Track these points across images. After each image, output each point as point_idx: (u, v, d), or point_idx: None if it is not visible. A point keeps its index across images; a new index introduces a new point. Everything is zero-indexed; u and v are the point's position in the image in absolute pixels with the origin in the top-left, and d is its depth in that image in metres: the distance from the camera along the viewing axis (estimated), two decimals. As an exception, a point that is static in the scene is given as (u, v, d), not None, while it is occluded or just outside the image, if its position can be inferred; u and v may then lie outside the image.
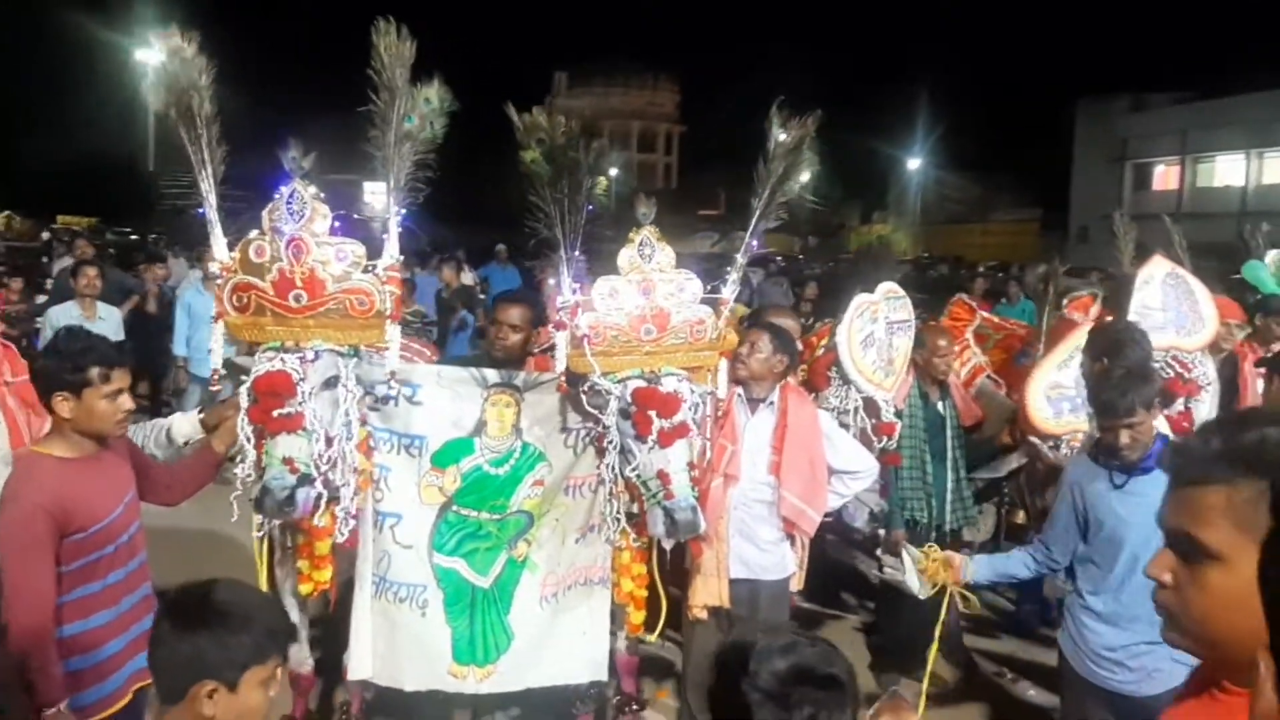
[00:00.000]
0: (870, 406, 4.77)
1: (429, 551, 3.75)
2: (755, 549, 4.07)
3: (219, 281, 3.26)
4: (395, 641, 3.76)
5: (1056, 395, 4.67)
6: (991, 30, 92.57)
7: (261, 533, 3.34)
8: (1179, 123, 40.46)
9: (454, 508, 3.75)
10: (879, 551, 5.01)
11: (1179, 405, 4.95)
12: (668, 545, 3.62)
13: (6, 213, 30.76)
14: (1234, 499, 1.18)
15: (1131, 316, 5.04)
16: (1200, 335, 5.03)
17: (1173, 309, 5.04)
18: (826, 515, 4.45)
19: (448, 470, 3.73)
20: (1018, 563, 3.81)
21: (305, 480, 3.05)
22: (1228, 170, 39.93)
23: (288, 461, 3.01)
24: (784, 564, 4.13)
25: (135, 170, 41.64)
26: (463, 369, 3.80)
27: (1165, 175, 41.95)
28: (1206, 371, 4.99)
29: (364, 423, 3.53)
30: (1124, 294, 4.73)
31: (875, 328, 4.84)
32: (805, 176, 3.82)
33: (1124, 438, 3.33)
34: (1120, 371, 3.56)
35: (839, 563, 5.44)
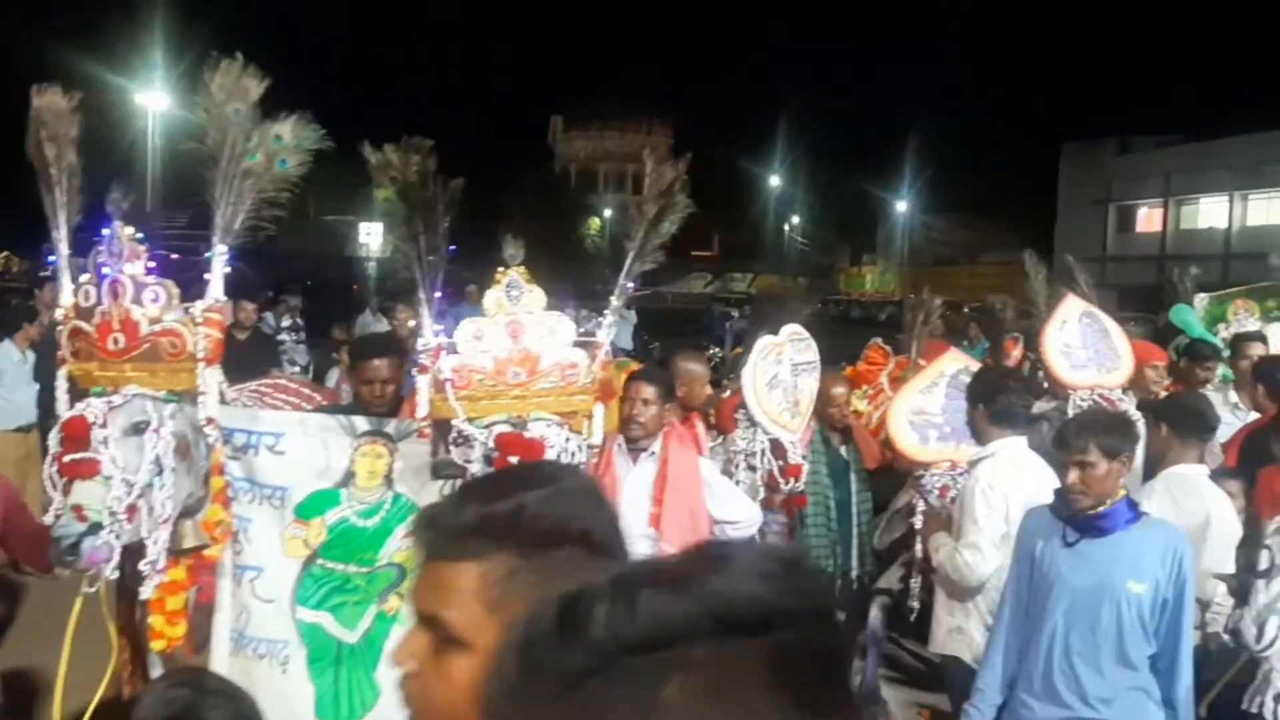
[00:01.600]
0: (777, 448, 4.67)
1: (292, 606, 3.62)
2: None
3: (60, 328, 3.17)
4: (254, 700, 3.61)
5: (921, 421, 4.59)
6: (980, 73, 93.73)
7: (94, 586, 3.20)
8: (1163, 166, 40.76)
9: (319, 561, 3.62)
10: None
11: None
12: None
13: (5, 253, 30.64)
14: (487, 577, 1.04)
15: (1054, 356, 4.98)
16: (1119, 372, 4.97)
17: (1092, 347, 4.99)
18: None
19: (312, 522, 3.61)
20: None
21: (94, 529, 2.93)
22: (1211, 212, 40.17)
23: (77, 509, 2.89)
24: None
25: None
26: (330, 416, 3.70)
27: (1149, 217, 42.18)
28: (1129, 410, 4.90)
29: (221, 473, 3.42)
30: (996, 330, 4.66)
31: (780, 369, 4.76)
32: (677, 218, 3.70)
33: (1071, 475, 3.16)
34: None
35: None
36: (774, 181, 63.04)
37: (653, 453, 3.94)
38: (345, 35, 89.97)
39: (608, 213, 69.84)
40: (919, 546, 4.31)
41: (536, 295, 3.49)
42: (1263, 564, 3.18)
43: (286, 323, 13.41)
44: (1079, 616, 3.12)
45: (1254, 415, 5.12)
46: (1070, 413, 4.93)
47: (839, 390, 5.07)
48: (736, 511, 4.11)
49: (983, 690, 3.34)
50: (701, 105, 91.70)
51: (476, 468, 3.40)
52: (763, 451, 4.65)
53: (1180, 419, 3.84)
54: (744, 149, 67.38)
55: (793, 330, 4.88)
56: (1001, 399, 3.88)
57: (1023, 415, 4.00)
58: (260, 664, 3.60)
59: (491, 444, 3.35)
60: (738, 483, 4.62)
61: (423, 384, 3.42)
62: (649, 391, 3.94)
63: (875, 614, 5.07)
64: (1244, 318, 6.06)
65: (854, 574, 4.89)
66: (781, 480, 4.63)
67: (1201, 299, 6.19)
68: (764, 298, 5.04)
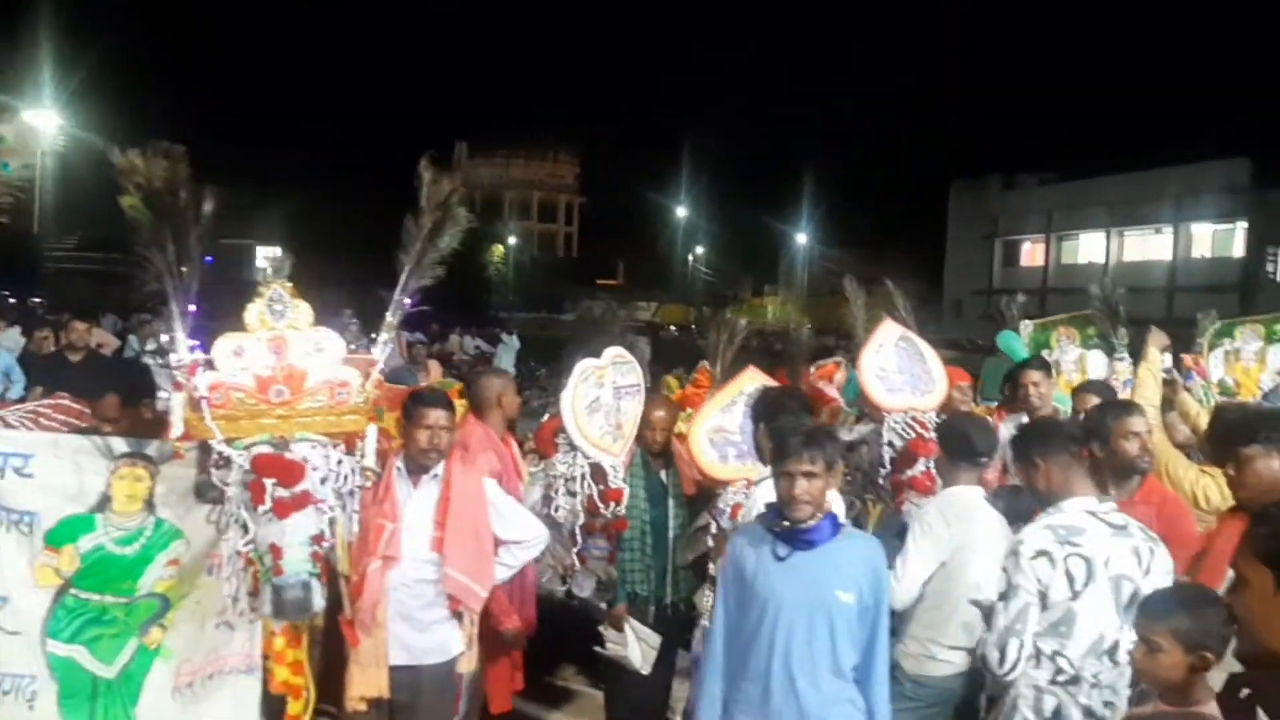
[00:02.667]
0: (597, 473, 4.59)
1: (41, 639, 3.39)
2: (417, 632, 3.78)
3: None
4: (-5, 740, 3.37)
5: (720, 439, 4.55)
6: (876, 111, 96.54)
7: None
8: (1045, 203, 42.39)
9: (73, 591, 3.41)
10: (601, 627, 4.78)
11: (920, 466, 4.88)
12: (276, 627, 3.33)
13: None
14: None
15: (870, 379, 4.99)
16: (933, 395, 5.00)
17: (907, 371, 5.01)
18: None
19: (64, 550, 3.40)
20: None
21: None
22: (1090, 247, 41.81)
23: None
24: (448, 646, 3.85)
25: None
26: (86, 437, 3.49)
27: (1032, 252, 43.75)
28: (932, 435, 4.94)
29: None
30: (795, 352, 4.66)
31: (602, 392, 4.69)
32: (456, 232, 3.60)
33: (799, 486, 3.10)
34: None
35: (568, 636, 5.17)
36: (680, 212, 63.61)
37: (435, 475, 3.81)
38: (250, 54, 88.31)
39: (512, 240, 69.64)
40: (712, 566, 4.25)
41: (303, 310, 3.34)
42: (1001, 585, 3.15)
43: (151, 346, 12.93)
44: (795, 631, 3.10)
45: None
46: (885, 435, 4.95)
47: (660, 414, 5.01)
48: (522, 531, 4.00)
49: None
50: (608, 135, 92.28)
51: (234, 491, 3.24)
52: (583, 476, 4.56)
53: (950, 443, 3.86)
54: (650, 180, 67.94)
55: (616, 353, 4.81)
56: (783, 418, 3.86)
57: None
58: (4, 700, 3.36)
59: (248, 466, 3.20)
60: (557, 508, 4.52)
61: (177, 402, 3.25)
62: (444, 417, 3.81)
63: (698, 637, 4.99)
64: (1066, 344, 6.23)
65: (668, 600, 4.82)
66: (602, 505, 4.55)
67: (1026, 326, 6.35)
68: (584, 321, 4.91)
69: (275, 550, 3.12)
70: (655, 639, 4.81)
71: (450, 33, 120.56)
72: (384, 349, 3.53)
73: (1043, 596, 3.03)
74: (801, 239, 59.86)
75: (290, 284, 3.36)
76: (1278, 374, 6.38)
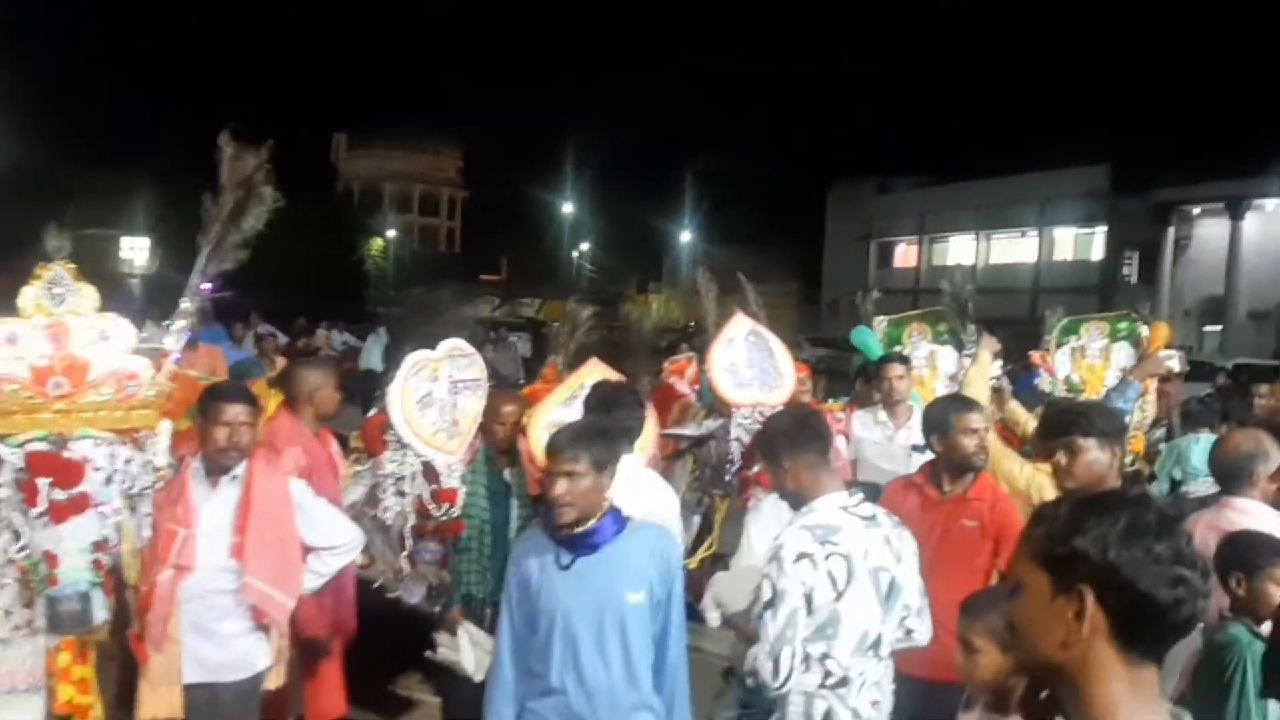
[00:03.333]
0: (429, 472, 4.37)
1: None
2: (215, 647, 3.49)
3: None
4: None
5: None
6: (757, 111, 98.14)
7: None
8: (917, 206, 43.61)
9: None
10: (434, 632, 4.56)
11: (766, 462, 4.83)
12: (49, 644, 3.04)
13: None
14: None
15: (719, 374, 4.92)
16: (782, 390, 4.97)
17: (756, 366, 4.97)
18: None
19: None
20: None
21: None
22: (960, 250, 43.20)
23: None
24: (251, 660, 3.57)
25: None
26: None
27: (906, 254, 44.96)
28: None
29: None
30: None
31: (436, 386, 4.46)
32: (262, 212, 3.35)
33: (559, 486, 2.92)
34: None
35: (396, 642, 4.94)
36: (565, 209, 63.36)
37: (235, 476, 3.52)
38: (122, 38, 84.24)
39: (391, 233, 68.24)
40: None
41: (87, 294, 3.06)
42: (765, 594, 2.92)
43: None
44: (585, 643, 2.93)
45: (902, 433, 5.25)
46: (733, 431, 4.88)
47: (509, 409, 4.81)
48: (334, 536, 3.76)
49: None
50: (493, 129, 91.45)
51: (4, 493, 2.94)
52: (414, 475, 4.35)
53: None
54: (535, 175, 67.60)
55: (453, 345, 4.60)
56: (616, 413, 3.73)
57: (637, 430, 3.87)
58: None
59: (20, 464, 2.90)
60: (385, 509, 4.29)
61: (-61, 395, 2.92)
62: (244, 412, 3.53)
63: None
64: (918, 340, 6.29)
65: (505, 602, 4.64)
66: (433, 506, 4.34)
67: (880, 322, 6.38)
68: (413, 308, 4.66)
69: (50, 558, 2.85)
70: (490, 642, 4.62)
71: (329, 21, 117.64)
72: (179, 337, 3.26)
73: (808, 600, 2.89)
74: (685, 237, 60.30)
75: (74, 265, 3.07)
76: (1122, 370, 6.57)
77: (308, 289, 32.78)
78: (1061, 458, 3.38)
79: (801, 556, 2.90)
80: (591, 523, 2.95)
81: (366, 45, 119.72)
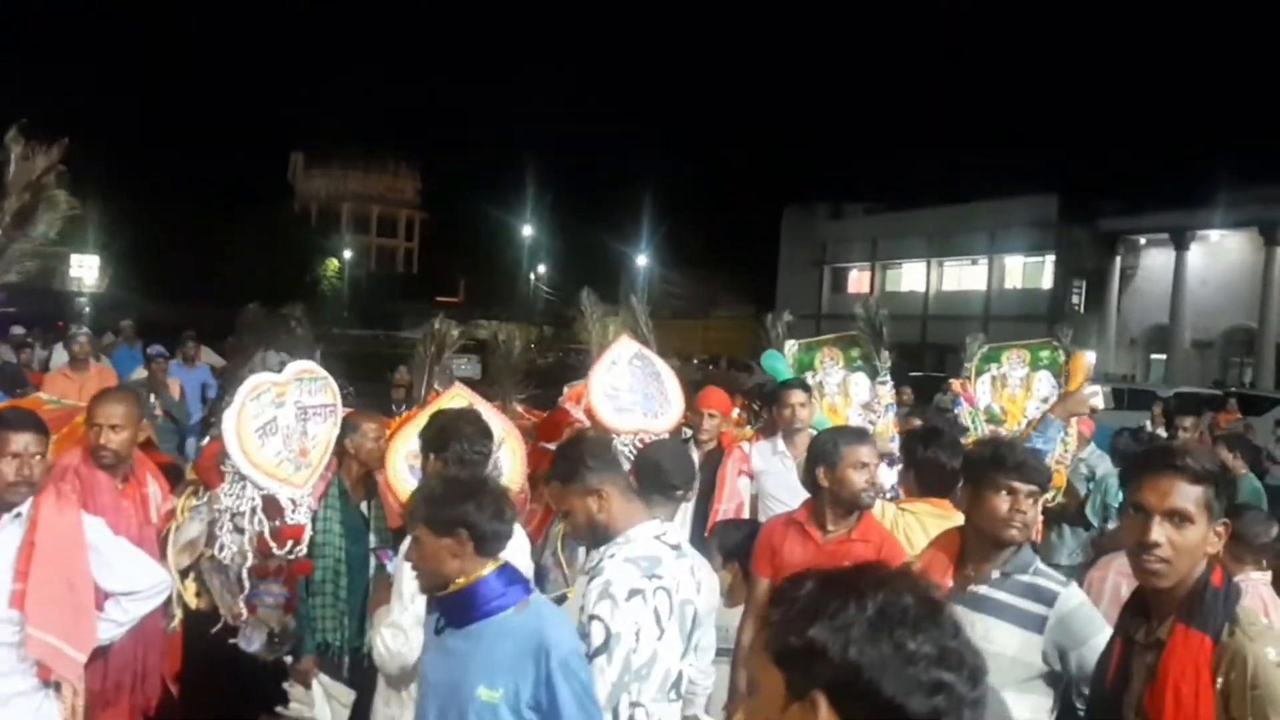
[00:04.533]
0: (271, 506, 3.93)
1: None
2: (-9, 710, 3.05)
3: None
4: None
5: (418, 465, 4.01)
6: (713, 135, 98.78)
7: None
8: (870, 231, 43.72)
9: None
10: (285, 684, 4.11)
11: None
12: None
13: None
14: None
15: (599, 399, 4.54)
16: (667, 418, 4.61)
17: (639, 390, 4.60)
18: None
19: None
20: None
21: None
22: (912, 276, 43.34)
23: None
24: (36, 722, 3.13)
25: None
26: None
27: (859, 279, 45.00)
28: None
29: None
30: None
31: (281, 412, 4.05)
32: (55, 218, 2.93)
33: (414, 552, 2.56)
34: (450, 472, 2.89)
35: (241, 697, 4.47)
36: (523, 231, 62.99)
37: (19, 514, 3.09)
38: (76, 52, 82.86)
39: (348, 254, 67.50)
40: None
41: None
42: (596, 637, 2.51)
43: None
44: None
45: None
46: (616, 462, 4.50)
47: (372, 425, 4.41)
48: (135, 579, 3.35)
49: None
50: (451, 150, 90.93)
51: None
52: (253, 510, 3.91)
53: (641, 472, 3.28)
54: (493, 197, 67.14)
55: (302, 368, 4.18)
56: (453, 446, 3.33)
57: (479, 464, 3.47)
58: None
59: None
60: (221, 546, 3.86)
61: None
62: (34, 442, 3.09)
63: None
64: (830, 366, 5.96)
65: (365, 650, 4.20)
66: (275, 544, 3.90)
67: (791, 346, 6.04)
68: (249, 324, 4.19)
69: None
70: (349, 695, 4.19)
71: (287, 40, 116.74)
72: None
73: (636, 640, 2.57)
74: (642, 260, 60.18)
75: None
76: (1044, 401, 6.28)
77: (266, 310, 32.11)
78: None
79: (633, 594, 2.58)
80: (451, 589, 2.47)
81: (326, 64, 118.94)
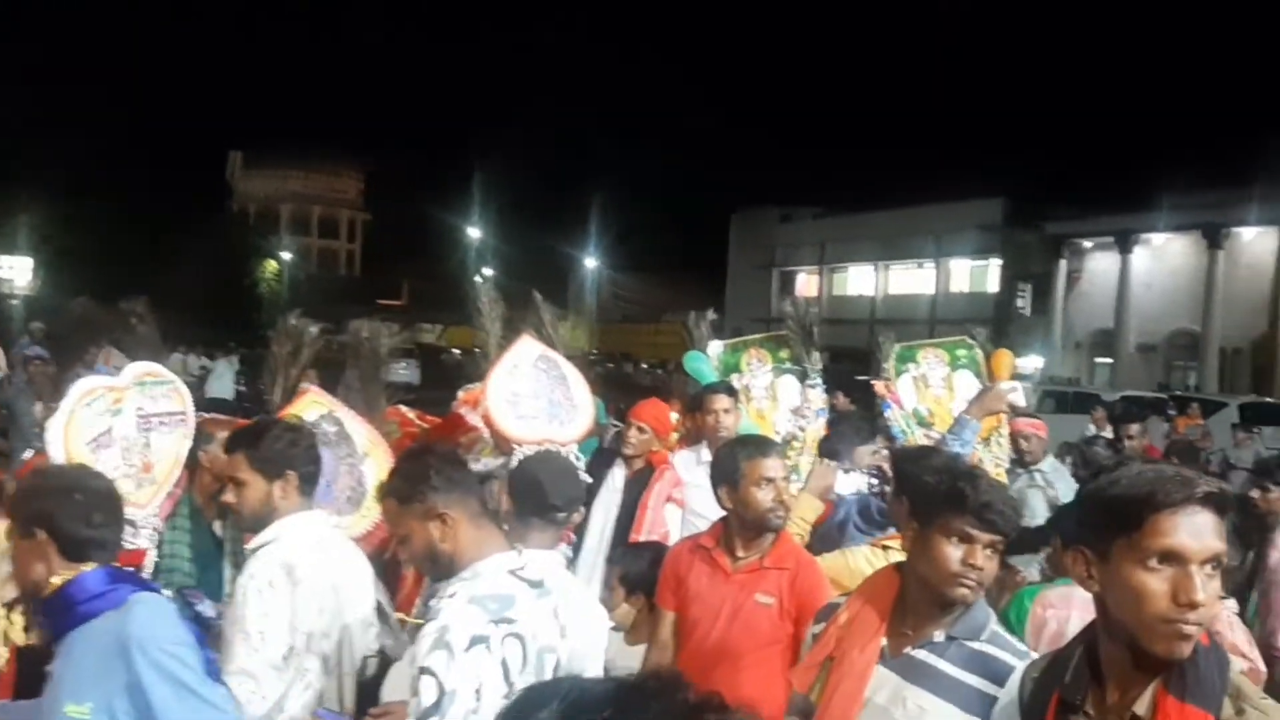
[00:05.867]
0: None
1: None
2: None
3: None
4: None
5: None
6: (662, 140, 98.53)
7: None
8: (818, 235, 43.68)
9: None
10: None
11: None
12: None
13: None
14: None
15: (498, 405, 4.05)
16: (574, 426, 4.12)
17: (545, 396, 4.11)
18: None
19: None
20: None
21: None
22: (859, 280, 43.32)
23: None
24: None
25: None
26: None
27: (807, 283, 44.92)
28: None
29: None
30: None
31: (118, 421, 3.53)
32: None
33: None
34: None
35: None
36: (469, 233, 62.22)
37: None
38: (9, 51, 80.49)
39: (287, 256, 66.19)
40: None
41: None
42: (427, 696, 2.03)
43: None
44: None
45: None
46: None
47: (225, 436, 3.87)
48: None
49: None
50: (396, 153, 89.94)
51: None
52: (85, 531, 3.37)
53: (518, 491, 2.76)
54: (439, 199, 66.42)
55: (145, 370, 3.66)
56: (264, 444, 2.81)
57: (316, 478, 2.96)
58: None
59: None
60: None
61: None
62: None
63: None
64: (758, 367, 5.52)
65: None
66: (111, 569, 3.37)
67: (716, 346, 5.59)
68: (80, 319, 3.67)
69: None
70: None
71: (227, 38, 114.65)
72: None
73: (477, 699, 2.06)
74: (591, 263, 59.81)
75: None
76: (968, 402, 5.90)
77: (194, 312, 31.33)
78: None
79: (476, 642, 2.08)
80: (44, 595, 2.18)
81: (266, 62, 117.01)
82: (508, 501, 2.80)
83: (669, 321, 52.14)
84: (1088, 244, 34.91)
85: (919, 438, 5.53)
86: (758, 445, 3.18)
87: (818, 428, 5.30)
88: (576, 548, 4.47)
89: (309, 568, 2.75)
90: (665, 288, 54.81)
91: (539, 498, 2.66)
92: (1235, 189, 28.15)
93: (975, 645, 2.13)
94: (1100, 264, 34.65)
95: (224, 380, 15.32)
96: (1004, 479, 5.56)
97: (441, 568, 2.25)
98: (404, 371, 23.16)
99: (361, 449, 3.70)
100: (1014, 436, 5.48)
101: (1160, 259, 32.93)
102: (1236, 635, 3.23)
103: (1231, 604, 3.34)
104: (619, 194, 62.40)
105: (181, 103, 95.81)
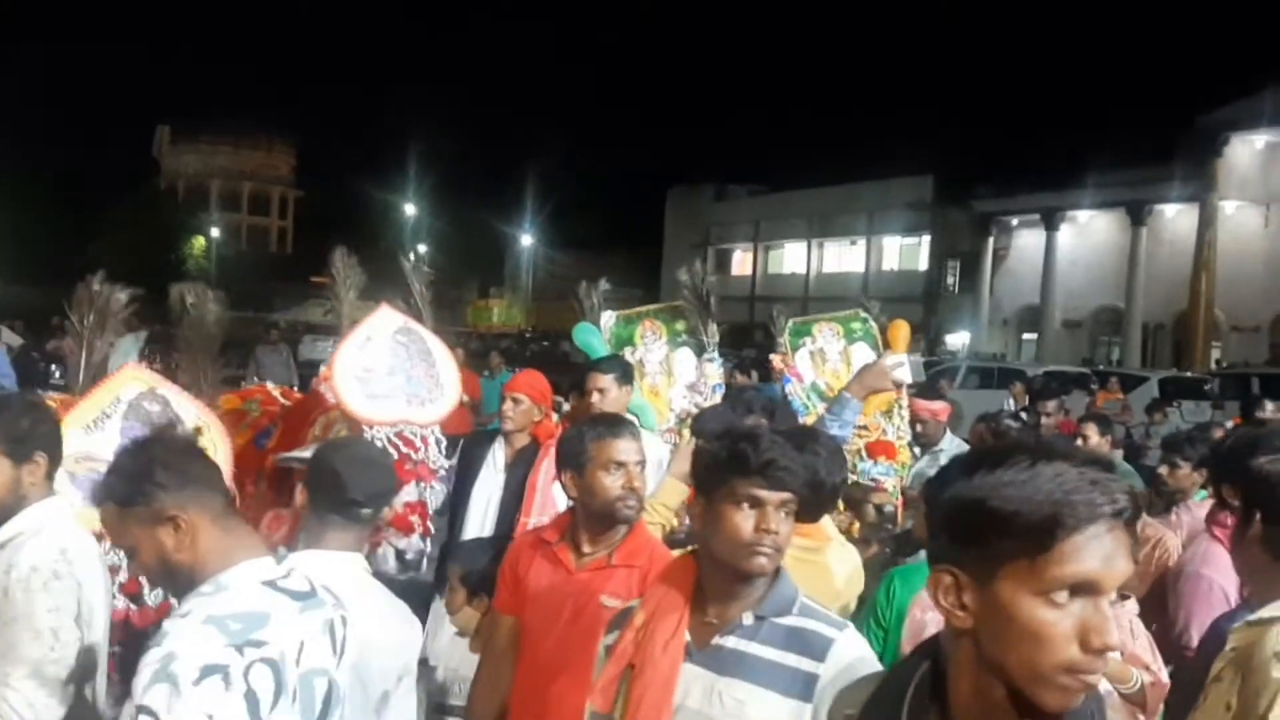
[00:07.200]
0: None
1: None
2: None
3: None
4: None
5: (86, 470, 3.04)
6: (598, 117, 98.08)
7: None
8: (752, 213, 43.66)
9: None
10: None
11: (407, 495, 3.65)
12: None
13: None
14: None
15: (346, 382, 3.73)
16: (436, 406, 3.83)
17: (402, 372, 3.80)
18: None
19: None
20: None
21: None
22: (793, 257, 43.39)
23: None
24: None
25: None
26: None
27: (743, 260, 44.89)
28: (437, 457, 3.76)
29: None
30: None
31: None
32: None
33: None
34: None
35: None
36: (405, 210, 61.05)
37: None
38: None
39: (216, 233, 64.51)
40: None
41: None
42: None
43: None
44: None
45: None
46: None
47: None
48: None
49: None
50: (328, 128, 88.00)
51: None
52: None
53: (315, 484, 2.40)
54: (372, 175, 65.10)
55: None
56: (6, 423, 2.45)
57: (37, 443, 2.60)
58: None
59: None
60: None
61: None
62: None
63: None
64: (652, 341, 5.26)
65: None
66: None
67: (608, 318, 5.31)
68: None
69: None
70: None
71: (151, 7, 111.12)
72: None
73: None
74: (526, 240, 59.14)
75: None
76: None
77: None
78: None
79: (210, 672, 1.69)
80: None
81: (194, 32, 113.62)
82: (302, 496, 2.48)
83: (605, 298, 51.79)
84: (1014, 222, 35.29)
85: (821, 411, 5.31)
86: (609, 424, 2.82)
87: (715, 402, 5.06)
88: (452, 536, 4.15)
89: (86, 562, 2.43)
90: (601, 265, 54.19)
91: (337, 491, 2.32)
92: (1158, 167, 28.61)
93: (787, 621, 1.92)
94: (1027, 241, 35.05)
95: (129, 358, 14.62)
96: (907, 454, 5.38)
97: (181, 582, 1.86)
98: (332, 347, 22.52)
99: (190, 427, 3.36)
100: (912, 419, 5.29)
101: (1085, 236, 33.40)
102: (1139, 644, 2.95)
103: (1132, 605, 3.04)
104: (554, 171, 61.56)
105: (106, 74, 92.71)
